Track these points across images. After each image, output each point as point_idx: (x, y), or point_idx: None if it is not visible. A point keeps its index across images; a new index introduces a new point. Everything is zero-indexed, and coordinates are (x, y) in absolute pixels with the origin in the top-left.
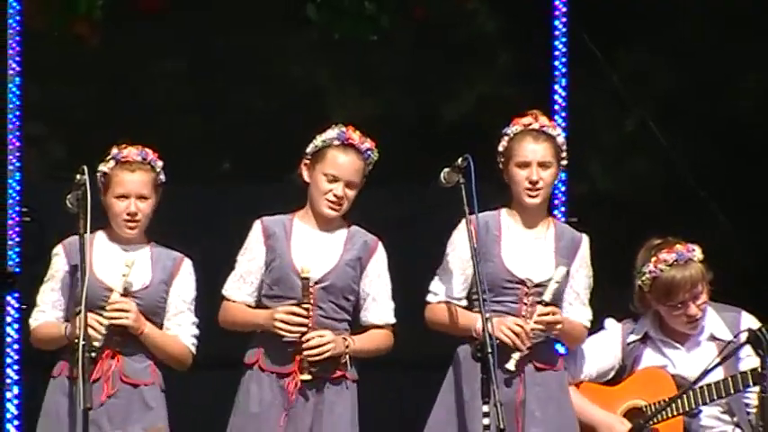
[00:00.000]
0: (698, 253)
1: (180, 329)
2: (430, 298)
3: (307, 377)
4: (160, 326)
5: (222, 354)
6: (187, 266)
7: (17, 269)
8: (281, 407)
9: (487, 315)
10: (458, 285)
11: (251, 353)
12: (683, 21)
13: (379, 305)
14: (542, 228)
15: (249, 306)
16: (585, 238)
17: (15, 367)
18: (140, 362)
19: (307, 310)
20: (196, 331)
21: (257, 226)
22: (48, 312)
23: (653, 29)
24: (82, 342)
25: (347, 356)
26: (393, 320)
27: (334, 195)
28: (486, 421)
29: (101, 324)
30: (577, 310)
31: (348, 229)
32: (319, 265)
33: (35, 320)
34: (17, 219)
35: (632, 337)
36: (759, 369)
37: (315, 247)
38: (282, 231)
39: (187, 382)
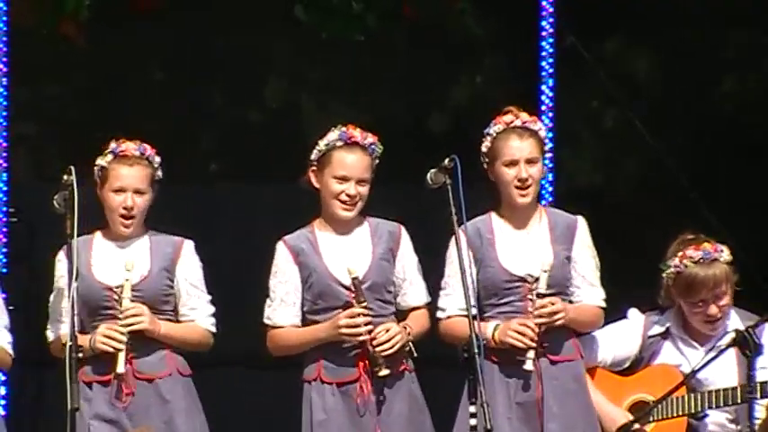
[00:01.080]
0: (725, 254)
1: (195, 313)
2: (439, 314)
3: (386, 372)
4: (171, 313)
5: (222, 353)
6: (188, 248)
7: (4, 269)
8: (344, 411)
9: (497, 321)
10: (463, 297)
11: (309, 369)
12: (675, 20)
13: (415, 287)
14: (535, 221)
15: (297, 327)
16: (581, 220)
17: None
18: (155, 355)
19: (365, 308)
20: (212, 309)
21: (282, 248)
22: (65, 322)
23: (641, 28)
24: (69, 343)
25: (410, 343)
26: (429, 299)
27: (347, 195)
28: (473, 422)
29: (122, 334)
30: (587, 293)
31: (368, 223)
32: (355, 266)
33: (52, 333)
34: (4, 219)
35: (654, 331)
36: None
37: (345, 252)
38: (309, 246)
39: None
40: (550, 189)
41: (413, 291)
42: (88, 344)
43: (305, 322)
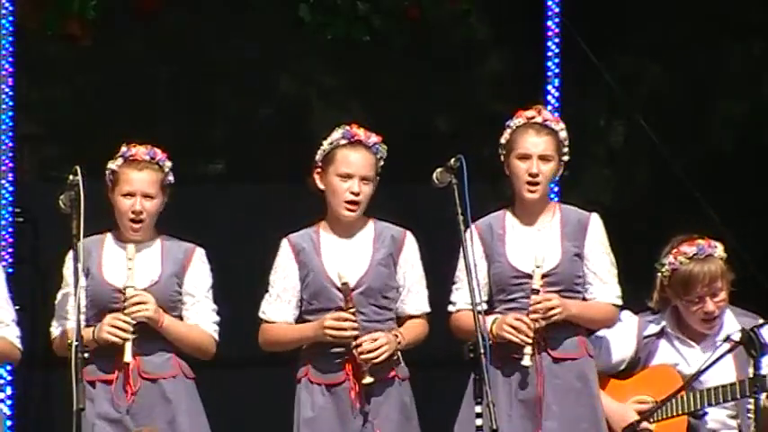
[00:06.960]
0: (719, 250)
1: (199, 317)
2: (449, 308)
3: (369, 380)
4: (178, 320)
5: (222, 354)
6: (199, 256)
7: (10, 269)
8: (333, 410)
9: (496, 315)
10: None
11: (300, 370)
12: (677, 21)
13: (414, 295)
14: (546, 217)
15: (290, 324)
16: (594, 217)
17: (8, 368)
18: (160, 356)
19: (353, 314)
20: (217, 318)
21: (285, 245)
22: (71, 319)
23: (647, 29)
24: (75, 343)
25: (398, 352)
26: (428, 309)
27: (351, 192)
28: (478, 422)
29: (127, 323)
30: (600, 290)
31: (374, 226)
32: (352, 270)
33: (57, 328)
34: (10, 219)
35: (649, 331)
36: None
37: (345, 254)
38: (311, 245)
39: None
40: (556, 189)
41: (411, 299)
42: (91, 335)
43: (299, 321)
